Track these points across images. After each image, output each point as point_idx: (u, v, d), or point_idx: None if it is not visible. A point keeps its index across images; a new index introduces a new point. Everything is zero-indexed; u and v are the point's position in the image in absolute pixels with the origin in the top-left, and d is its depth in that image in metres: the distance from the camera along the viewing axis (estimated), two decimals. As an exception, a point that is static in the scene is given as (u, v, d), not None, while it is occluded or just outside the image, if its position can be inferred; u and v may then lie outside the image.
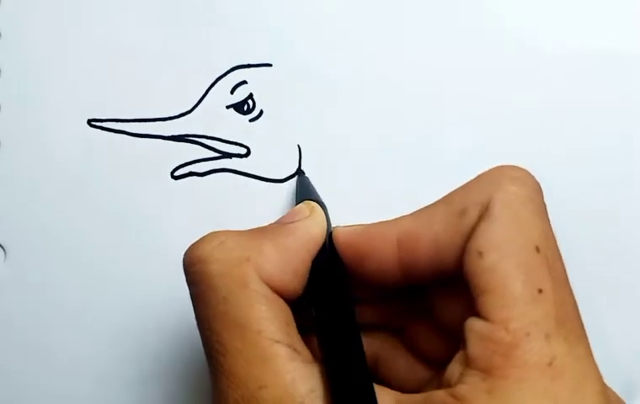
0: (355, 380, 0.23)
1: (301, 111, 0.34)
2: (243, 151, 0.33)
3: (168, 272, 0.33)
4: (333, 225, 0.28)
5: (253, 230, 0.26)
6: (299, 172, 0.33)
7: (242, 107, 0.34)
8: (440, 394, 0.22)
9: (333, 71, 0.34)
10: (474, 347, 0.22)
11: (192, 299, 0.25)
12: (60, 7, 0.34)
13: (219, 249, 0.24)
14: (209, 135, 0.33)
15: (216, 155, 0.33)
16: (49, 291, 0.33)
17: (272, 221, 0.31)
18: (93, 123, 0.33)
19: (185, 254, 0.25)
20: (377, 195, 0.33)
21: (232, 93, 0.34)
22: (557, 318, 0.22)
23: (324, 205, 0.29)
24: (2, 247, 0.33)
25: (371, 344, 0.27)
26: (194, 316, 0.31)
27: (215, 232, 0.25)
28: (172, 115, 0.33)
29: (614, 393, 0.25)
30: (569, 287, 0.23)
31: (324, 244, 0.27)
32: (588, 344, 0.23)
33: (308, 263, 0.26)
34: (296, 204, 0.29)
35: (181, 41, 0.34)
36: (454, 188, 0.25)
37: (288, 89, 0.34)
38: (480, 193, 0.24)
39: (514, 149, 0.34)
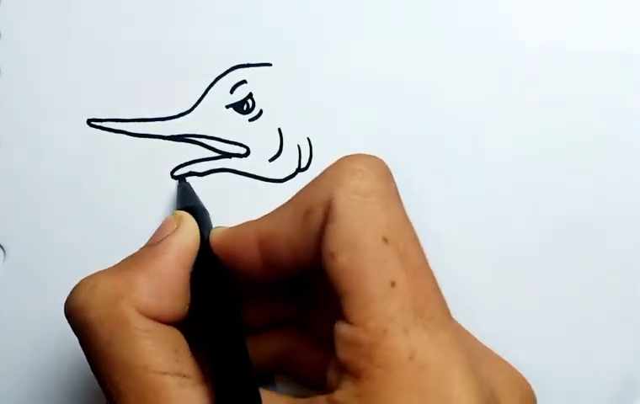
0: (239, 389, 0.23)
1: (300, 111, 0.34)
2: (243, 150, 0.33)
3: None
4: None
5: (122, 263, 0.26)
6: (179, 179, 0.33)
7: (241, 106, 0.34)
8: (321, 400, 0.22)
9: (333, 71, 0.34)
10: (342, 352, 0.22)
11: (80, 345, 0.25)
12: (60, 7, 0.34)
13: (92, 295, 0.24)
14: (208, 134, 0.33)
15: (216, 155, 0.33)
16: (49, 291, 0.33)
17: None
18: (93, 123, 0.33)
19: (64, 305, 0.25)
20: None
21: (231, 92, 0.34)
22: (415, 308, 0.22)
23: (203, 209, 0.29)
24: (2, 247, 0.33)
25: (273, 342, 0.28)
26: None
27: (85, 279, 0.25)
28: (171, 115, 0.33)
29: (490, 366, 0.25)
30: (427, 271, 0.23)
31: (201, 251, 0.26)
32: (452, 329, 0.23)
33: (186, 279, 0.26)
34: (178, 203, 0.30)
35: (181, 41, 0.34)
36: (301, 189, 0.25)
37: (288, 89, 0.34)
38: (322, 191, 0.24)
39: (514, 149, 0.34)
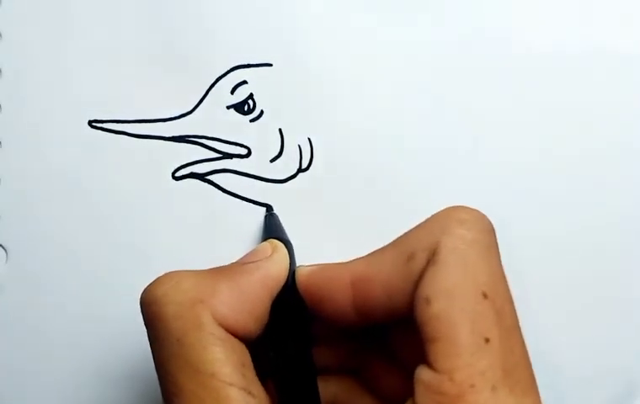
0: None
1: (301, 111, 0.34)
2: (244, 151, 0.33)
3: (169, 271, 0.33)
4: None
5: (209, 270, 0.26)
6: (267, 209, 0.33)
7: (242, 107, 0.33)
8: None
9: (334, 71, 0.34)
10: (421, 397, 0.22)
11: (149, 339, 0.25)
12: (60, 7, 0.34)
13: (173, 290, 0.24)
14: (209, 135, 0.33)
15: (217, 155, 0.33)
16: (50, 291, 0.33)
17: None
18: (94, 124, 0.33)
19: (142, 295, 0.25)
20: (377, 195, 0.33)
21: (232, 93, 0.33)
22: (504, 368, 0.21)
23: (290, 244, 0.29)
24: (4, 248, 0.33)
25: (330, 387, 0.28)
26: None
27: (170, 273, 0.25)
28: (172, 116, 0.33)
29: None
30: (519, 333, 0.23)
31: (286, 284, 0.27)
32: (536, 395, 0.22)
33: (267, 304, 0.26)
34: (262, 241, 0.30)
35: (181, 41, 0.34)
36: (405, 231, 0.25)
37: (288, 89, 0.34)
38: (428, 237, 0.23)
39: (513, 147, 0.34)
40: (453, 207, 0.24)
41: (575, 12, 0.34)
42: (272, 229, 0.31)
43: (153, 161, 0.33)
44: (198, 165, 0.33)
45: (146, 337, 0.32)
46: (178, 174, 0.33)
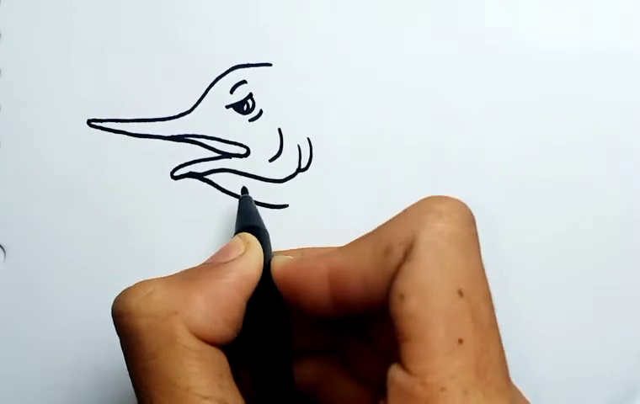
0: None
1: (300, 111, 0.34)
2: (243, 151, 0.33)
3: (168, 272, 0.33)
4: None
5: (181, 275, 0.25)
6: (242, 192, 0.32)
7: (241, 107, 0.33)
8: None
9: (333, 71, 0.34)
10: (394, 399, 0.21)
11: (122, 349, 0.24)
12: (60, 7, 0.34)
13: (146, 302, 0.24)
14: (208, 135, 0.33)
15: (216, 155, 0.33)
16: (48, 291, 0.33)
17: (269, 224, 0.31)
18: (93, 123, 0.33)
19: (113, 305, 0.25)
20: (377, 194, 0.33)
21: (231, 92, 0.34)
22: (478, 369, 0.21)
23: (265, 232, 0.28)
24: (2, 248, 0.33)
25: (312, 368, 0.27)
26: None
27: (142, 283, 0.24)
28: (171, 115, 0.33)
29: None
30: (495, 331, 0.22)
31: (262, 276, 0.26)
32: (510, 397, 0.22)
33: (242, 306, 0.25)
34: (235, 230, 0.29)
35: (181, 41, 0.34)
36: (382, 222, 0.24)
37: (288, 89, 0.34)
38: (404, 230, 0.23)
39: (513, 147, 0.34)
40: (432, 197, 0.23)
41: (575, 12, 0.34)
42: (246, 216, 0.30)
43: (152, 160, 0.33)
44: (197, 164, 0.33)
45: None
46: (176, 173, 0.33)
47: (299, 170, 0.33)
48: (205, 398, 0.22)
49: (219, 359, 0.24)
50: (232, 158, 0.33)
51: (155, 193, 0.33)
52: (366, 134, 0.34)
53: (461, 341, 0.21)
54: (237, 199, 0.32)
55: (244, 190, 0.33)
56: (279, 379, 0.25)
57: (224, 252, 0.27)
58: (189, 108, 0.33)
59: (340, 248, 0.25)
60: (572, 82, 0.34)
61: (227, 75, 0.33)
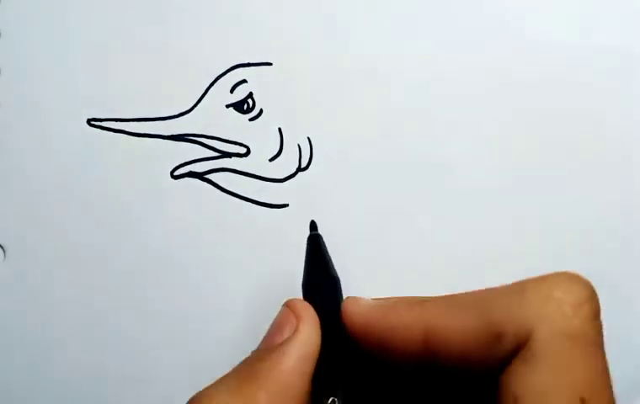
0: None
1: (300, 111, 0.34)
2: (243, 150, 0.33)
3: (168, 271, 0.33)
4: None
5: (241, 374, 0.24)
6: (311, 227, 0.28)
7: (241, 106, 0.33)
8: None
9: (333, 71, 0.34)
10: None
11: None
12: (60, 6, 0.34)
13: None
14: (208, 134, 0.33)
15: (216, 154, 0.33)
16: (48, 291, 0.33)
17: (269, 223, 0.31)
18: (93, 122, 0.33)
19: None
20: (377, 194, 0.33)
21: (231, 92, 0.34)
22: None
23: (336, 280, 0.26)
24: (2, 247, 0.33)
25: None
26: (191, 312, 0.31)
27: (204, 398, 0.23)
28: (171, 115, 0.33)
29: None
30: None
31: (332, 324, 0.24)
32: None
33: (307, 387, 0.24)
34: (304, 272, 0.27)
35: (181, 41, 0.34)
36: (492, 288, 0.22)
37: (288, 89, 0.34)
38: (520, 317, 0.21)
39: (512, 147, 0.34)
40: (555, 278, 0.21)
41: (575, 12, 0.34)
42: (314, 262, 0.27)
43: (152, 159, 0.33)
44: (197, 164, 0.33)
45: (146, 336, 0.32)
46: (176, 173, 0.33)
47: (299, 170, 0.33)
48: None
49: None
50: (232, 158, 0.33)
51: (155, 192, 0.33)
52: (366, 134, 0.34)
53: None
54: (306, 237, 0.28)
55: (313, 226, 0.28)
56: None
57: (276, 330, 0.25)
58: (189, 108, 0.33)
59: (442, 307, 0.23)
60: (572, 83, 0.34)
61: (227, 74, 0.34)
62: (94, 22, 0.34)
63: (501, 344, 0.21)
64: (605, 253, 0.33)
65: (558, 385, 0.20)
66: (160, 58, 0.34)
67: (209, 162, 0.33)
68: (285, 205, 0.33)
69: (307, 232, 0.32)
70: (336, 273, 0.26)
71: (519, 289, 0.21)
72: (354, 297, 0.25)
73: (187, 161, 0.33)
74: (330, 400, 0.24)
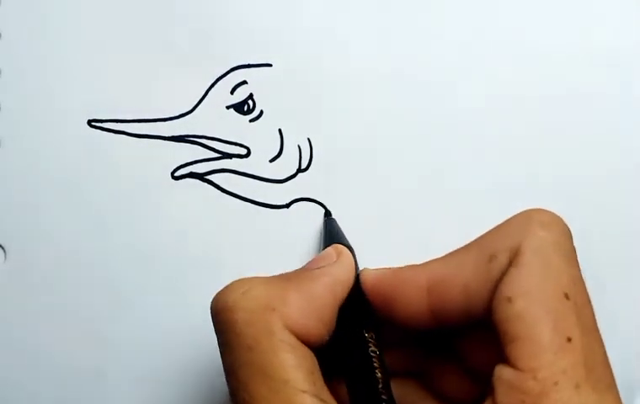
0: None
1: (300, 111, 0.34)
2: (244, 151, 0.33)
3: (168, 271, 0.33)
4: (359, 262, 0.28)
5: (278, 277, 0.26)
6: (326, 214, 0.33)
7: (242, 107, 0.34)
8: None
9: (333, 71, 0.34)
10: (503, 396, 0.22)
11: (219, 346, 0.25)
12: (60, 7, 0.34)
13: (244, 298, 0.24)
14: (209, 135, 0.33)
15: (217, 155, 0.33)
16: (49, 291, 0.33)
17: (269, 224, 0.31)
18: (93, 123, 0.33)
19: (212, 302, 0.25)
20: (378, 194, 0.33)
21: (232, 93, 0.34)
22: (586, 366, 0.22)
23: (352, 249, 0.29)
24: (2, 248, 0.33)
25: (396, 389, 0.27)
26: (192, 308, 0.31)
27: (240, 280, 0.25)
28: (172, 116, 0.33)
29: None
30: (598, 333, 0.23)
31: (352, 288, 0.26)
32: (617, 394, 0.23)
33: (335, 309, 0.26)
34: (323, 247, 0.30)
35: (181, 41, 0.34)
36: (483, 233, 0.25)
37: (288, 89, 0.34)
38: (509, 238, 0.24)
39: (513, 147, 0.34)
40: (534, 209, 0.25)
41: (575, 11, 0.34)
42: (334, 234, 0.31)
43: (153, 160, 0.33)
44: (197, 165, 0.33)
45: (146, 336, 0.32)
46: (177, 174, 0.33)
47: (299, 170, 0.33)
48: (303, 392, 0.23)
49: (311, 358, 0.24)
50: (233, 159, 0.33)
51: (155, 193, 0.33)
52: (366, 134, 0.34)
53: (569, 339, 0.22)
54: (323, 220, 0.33)
55: (328, 212, 0.33)
56: (374, 390, 0.25)
57: (317, 260, 0.27)
58: (189, 109, 0.33)
59: (439, 259, 0.25)
60: (573, 83, 0.34)
61: (228, 75, 0.34)
62: (94, 22, 0.34)
63: (495, 263, 0.24)
64: (606, 254, 0.33)
65: (545, 284, 0.23)
66: (160, 59, 0.34)
67: (209, 163, 0.33)
68: (285, 206, 0.33)
69: (307, 232, 0.33)
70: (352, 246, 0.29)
71: (504, 222, 0.25)
72: (368, 268, 0.27)
73: (187, 162, 0.33)
74: (368, 334, 0.26)
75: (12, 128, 0.33)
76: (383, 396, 0.25)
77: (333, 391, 0.24)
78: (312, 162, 0.33)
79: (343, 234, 0.31)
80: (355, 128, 0.34)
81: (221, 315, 0.24)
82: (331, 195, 0.33)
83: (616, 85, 0.34)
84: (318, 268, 0.26)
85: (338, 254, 0.27)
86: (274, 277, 0.26)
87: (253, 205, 0.33)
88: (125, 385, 0.33)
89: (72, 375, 0.33)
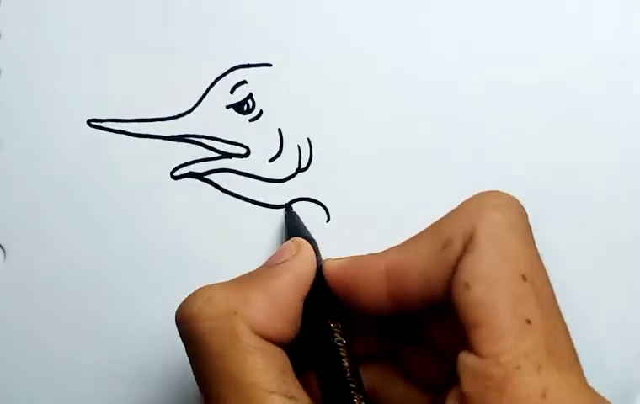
0: None
1: (300, 111, 0.34)
2: (243, 151, 0.33)
3: (168, 271, 0.33)
4: (324, 256, 0.28)
5: (239, 279, 0.26)
6: (286, 208, 0.33)
7: (241, 107, 0.34)
8: None
9: (333, 71, 0.34)
10: (468, 384, 0.22)
11: (188, 356, 0.25)
12: (60, 7, 0.34)
13: (207, 306, 0.24)
14: (208, 135, 0.33)
15: (216, 155, 0.33)
16: (48, 291, 0.33)
17: (269, 223, 0.31)
18: (93, 123, 0.33)
19: (176, 313, 0.25)
20: (378, 194, 0.33)
21: (231, 92, 0.34)
22: (548, 347, 0.22)
23: (313, 240, 0.29)
24: (2, 247, 0.33)
25: (367, 375, 0.27)
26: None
27: (202, 289, 0.25)
28: (171, 115, 0.33)
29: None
30: (558, 312, 0.23)
31: (315, 280, 0.27)
32: (580, 370, 0.23)
33: (299, 304, 0.26)
34: (284, 240, 0.30)
35: (181, 41, 0.34)
36: (439, 217, 0.25)
37: (288, 89, 0.34)
38: (463, 222, 0.24)
39: (513, 147, 0.34)
40: (486, 192, 0.25)
41: (575, 11, 0.34)
42: (294, 228, 0.31)
43: (152, 160, 0.33)
44: (197, 164, 0.33)
45: (146, 337, 0.32)
46: (176, 173, 0.33)
47: (299, 170, 0.33)
48: (272, 393, 0.23)
49: (281, 356, 0.24)
50: (232, 158, 0.33)
51: (155, 192, 0.33)
52: (366, 134, 0.34)
53: (529, 321, 0.22)
54: (283, 214, 0.33)
55: (289, 207, 0.33)
56: (344, 381, 0.25)
57: (277, 255, 0.27)
58: (189, 109, 0.33)
59: (397, 246, 0.26)
60: (572, 83, 0.34)
61: (227, 75, 0.34)
62: (94, 22, 0.34)
63: (450, 249, 0.23)
64: (606, 254, 0.33)
65: (501, 266, 0.23)
66: (160, 58, 0.34)
67: (209, 163, 0.33)
68: (285, 206, 0.33)
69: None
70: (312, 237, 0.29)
71: (457, 206, 0.25)
72: (331, 258, 0.27)
73: (187, 161, 0.33)
74: (333, 324, 0.26)
75: (12, 128, 0.33)
76: (352, 385, 0.25)
77: (306, 384, 0.25)
78: (312, 162, 0.33)
79: (304, 226, 0.31)
80: (355, 128, 0.34)
81: (187, 325, 0.25)
82: (331, 195, 0.33)
83: (615, 85, 0.34)
84: (280, 263, 0.26)
85: (298, 247, 0.27)
86: (236, 279, 0.26)
87: (252, 205, 0.33)
88: (125, 385, 0.33)
89: (72, 375, 0.33)
